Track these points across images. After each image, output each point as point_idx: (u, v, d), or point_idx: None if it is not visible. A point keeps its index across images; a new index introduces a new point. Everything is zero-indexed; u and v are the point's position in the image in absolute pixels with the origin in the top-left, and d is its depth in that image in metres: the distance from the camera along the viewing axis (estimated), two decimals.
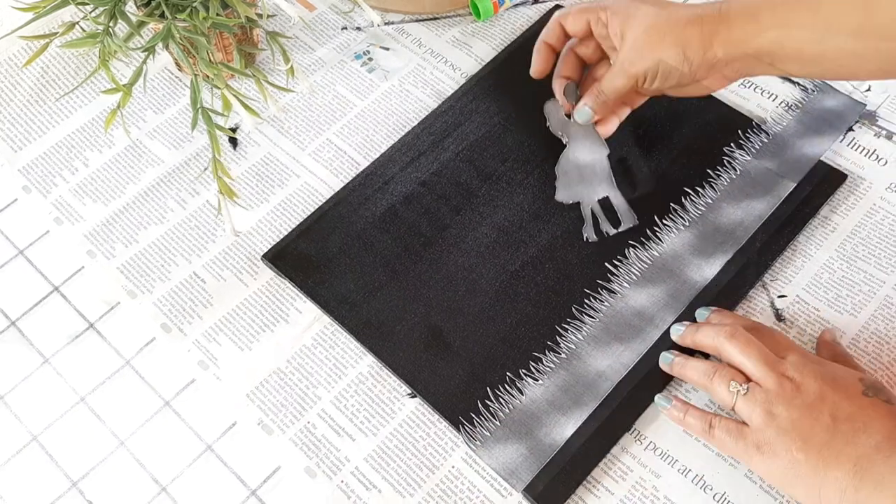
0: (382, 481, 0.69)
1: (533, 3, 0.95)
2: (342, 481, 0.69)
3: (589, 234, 0.78)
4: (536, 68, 0.81)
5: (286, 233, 0.80)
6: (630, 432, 0.70)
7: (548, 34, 0.80)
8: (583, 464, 0.68)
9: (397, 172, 0.83)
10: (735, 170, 0.81)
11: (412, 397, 0.72)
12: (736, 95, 0.87)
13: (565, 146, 0.81)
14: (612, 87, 0.75)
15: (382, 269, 0.78)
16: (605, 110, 0.79)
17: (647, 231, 0.78)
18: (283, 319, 0.77)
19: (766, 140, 0.83)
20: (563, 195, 0.79)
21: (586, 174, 0.80)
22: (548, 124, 0.83)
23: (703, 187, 0.80)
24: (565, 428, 0.69)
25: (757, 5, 0.68)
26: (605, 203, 0.79)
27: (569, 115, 0.80)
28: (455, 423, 0.70)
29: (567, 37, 0.80)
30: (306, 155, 0.86)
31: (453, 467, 0.70)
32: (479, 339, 0.74)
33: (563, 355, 0.72)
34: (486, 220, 0.80)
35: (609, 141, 0.82)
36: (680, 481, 0.68)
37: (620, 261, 0.77)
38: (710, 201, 0.80)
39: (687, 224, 0.78)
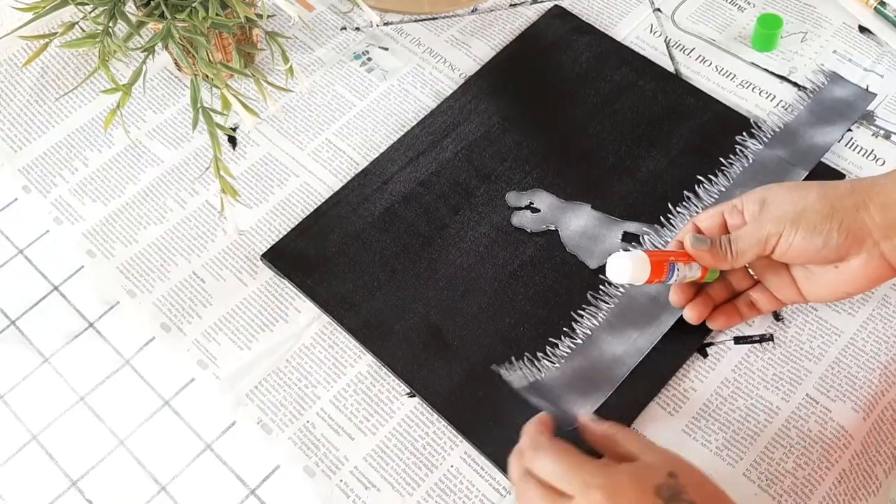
0: (381, 480, 0.69)
1: (532, 3, 0.95)
2: (341, 480, 0.70)
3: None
4: (676, 299, 0.72)
5: (285, 232, 0.81)
6: None
7: (681, 235, 0.70)
8: None
9: (396, 172, 0.83)
10: (747, 158, 0.81)
11: (411, 396, 0.73)
12: (734, 95, 0.87)
13: (556, 232, 0.79)
14: (740, 236, 0.66)
15: (381, 269, 0.78)
16: (717, 259, 0.67)
17: (661, 219, 0.78)
18: (283, 319, 0.77)
19: (777, 129, 0.83)
20: (594, 263, 0.77)
21: (592, 233, 0.79)
22: (530, 230, 0.79)
23: (717, 175, 0.81)
24: (583, 409, 0.69)
25: None
26: (629, 236, 0.78)
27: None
28: (454, 422, 0.70)
29: None
30: (305, 155, 0.86)
31: (452, 466, 0.70)
32: (477, 339, 0.74)
33: (580, 341, 0.73)
34: (484, 219, 0.80)
35: (616, 134, 0.83)
36: None
37: (636, 247, 0.77)
38: (723, 189, 0.80)
39: (701, 210, 0.78)
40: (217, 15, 0.74)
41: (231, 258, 0.81)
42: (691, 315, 0.71)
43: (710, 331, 0.73)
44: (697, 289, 0.72)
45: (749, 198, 0.68)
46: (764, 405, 0.70)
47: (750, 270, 0.72)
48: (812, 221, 0.64)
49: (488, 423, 0.70)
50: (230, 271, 0.80)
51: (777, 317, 0.74)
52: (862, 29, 0.91)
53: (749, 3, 0.94)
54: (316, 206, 0.82)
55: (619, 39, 0.92)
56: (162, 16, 0.75)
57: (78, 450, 0.76)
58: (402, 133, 0.86)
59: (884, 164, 0.82)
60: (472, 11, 0.96)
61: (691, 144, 0.83)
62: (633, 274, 0.66)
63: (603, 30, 0.92)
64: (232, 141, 0.87)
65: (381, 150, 0.85)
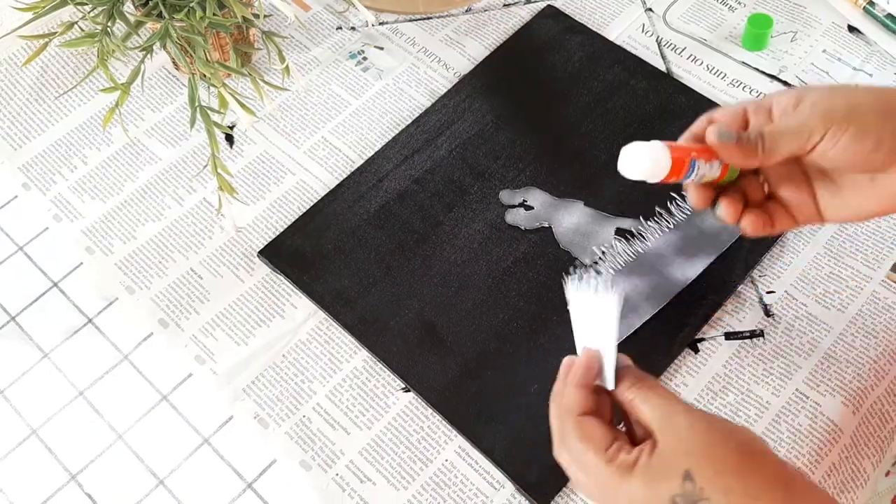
0: (377, 474, 0.70)
1: (525, 3, 0.96)
2: (337, 474, 0.70)
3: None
4: (697, 201, 0.61)
5: (282, 229, 0.81)
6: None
7: (696, 129, 0.59)
8: None
9: (391, 170, 0.84)
10: None
11: (406, 391, 0.73)
12: (725, 94, 0.88)
13: (550, 228, 0.80)
14: (777, 128, 0.56)
15: (376, 266, 0.78)
16: (747, 154, 0.56)
17: (633, 230, 0.79)
18: (279, 315, 0.78)
19: None
20: (587, 258, 0.78)
21: (585, 230, 0.79)
22: (524, 227, 0.80)
23: None
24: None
25: None
26: (622, 232, 0.79)
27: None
28: (449, 417, 0.71)
29: None
30: (302, 153, 0.87)
31: (446, 460, 0.70)
32: (471, 335, 0.74)
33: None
34: (478, 217, 0.81)
35: (608, 133, 0.83)
36: None
37: (606, 249, 0.78)
38: None
39: (672, 227, 0.79)
40: (214, 15, 0.75)
41: (228, 255, 0.81)
42: (728, 212, 0.60)
43: (701, 327, 0.74)
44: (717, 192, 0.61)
45: (780, 95, 0.58)
46: (755, 400, 0.71)
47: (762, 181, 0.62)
48: (866, 119, 0.55)
49: (482, 418, 0.70)
50: (227, 268, 0.81)
51: (767, 313, 0.75)
52: (851, 28, 0.92)
53: (740, 3, 0.95)
54: (312, 204, 0.83)
55: (611, 39, 0.92)
56: (160, 16, 0.76)
57: (77, 444, 0.77)
58: (397, 131, 0.87)
59: None
60: (466, 11, 0.96)
61: None
62: (651, 168, 0.56)
63: (595, 29, 0.93)
64: (229, 139, 0.88)
65: (377, 149, 0.86)
